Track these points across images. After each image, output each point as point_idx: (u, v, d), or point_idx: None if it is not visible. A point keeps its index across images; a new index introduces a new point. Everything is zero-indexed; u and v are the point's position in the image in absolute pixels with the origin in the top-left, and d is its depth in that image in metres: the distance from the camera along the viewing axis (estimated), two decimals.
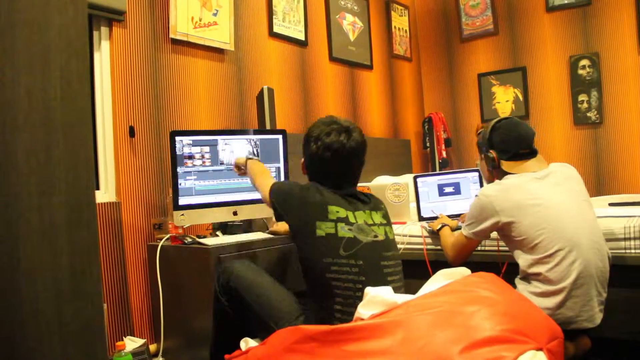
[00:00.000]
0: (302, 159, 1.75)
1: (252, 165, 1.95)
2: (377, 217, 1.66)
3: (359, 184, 2.55)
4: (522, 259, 1.69)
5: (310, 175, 1.72)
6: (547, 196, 1.68)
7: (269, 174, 1.88)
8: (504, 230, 1.72)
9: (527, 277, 1.69)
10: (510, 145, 1.80)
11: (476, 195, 1.81)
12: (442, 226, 2.13)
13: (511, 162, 1.80)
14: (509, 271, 1.94)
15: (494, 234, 1.81)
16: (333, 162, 1.63)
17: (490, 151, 1.83)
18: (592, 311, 1.61)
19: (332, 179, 1.65)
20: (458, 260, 1.91)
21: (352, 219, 1.57)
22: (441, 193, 2.51)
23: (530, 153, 1.81)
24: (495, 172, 1.86)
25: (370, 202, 1.69)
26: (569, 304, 1.58)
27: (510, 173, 1.79)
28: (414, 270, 2.14)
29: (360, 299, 1.43)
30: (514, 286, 1.72)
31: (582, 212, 1.69)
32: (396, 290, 1.51)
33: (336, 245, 1.50)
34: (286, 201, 1.63)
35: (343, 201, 1.60)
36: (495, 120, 1.87)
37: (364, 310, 1.36)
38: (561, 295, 1.58)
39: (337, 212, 1.56)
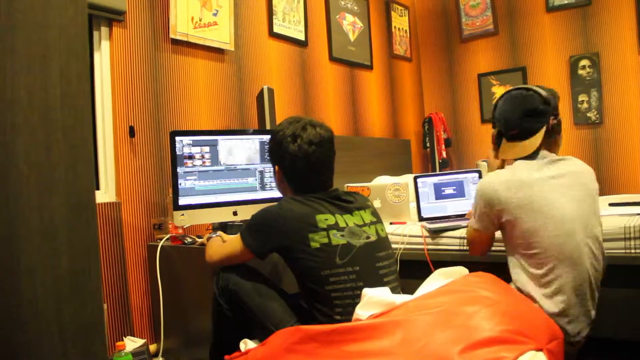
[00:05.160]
0: (277, 168, 1.63)
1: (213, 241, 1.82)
2: (367, 216, 1.61)
3: (358, 185, 2.57)
4: (513, 263, 1.62)
5: (293, 182, 1.61)
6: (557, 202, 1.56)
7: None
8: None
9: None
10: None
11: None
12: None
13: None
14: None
15: (498, 234, 1.71)
16: (317, 156, 1.56)
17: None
18: (578, 328, 1.53)
19: (316, 179, 1.59)
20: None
21: (342, 224, 1.53)
22: (441, 193, 2.51)
23: None
24: (555, 140, 1.83)
25: (356, 202, 1.63)
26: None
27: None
28: (414, 270, 2.13)
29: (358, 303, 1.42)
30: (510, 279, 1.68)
31: (589, 224, 1.56)
32: (392, 290, 1.50)
33: (332, 255, 1.47)
34: (263, 230, 1.53)
35: (329, 206, 1.55)
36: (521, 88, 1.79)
37: (362, 312, 1.36)
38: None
39: (326, 219, 1.51)
